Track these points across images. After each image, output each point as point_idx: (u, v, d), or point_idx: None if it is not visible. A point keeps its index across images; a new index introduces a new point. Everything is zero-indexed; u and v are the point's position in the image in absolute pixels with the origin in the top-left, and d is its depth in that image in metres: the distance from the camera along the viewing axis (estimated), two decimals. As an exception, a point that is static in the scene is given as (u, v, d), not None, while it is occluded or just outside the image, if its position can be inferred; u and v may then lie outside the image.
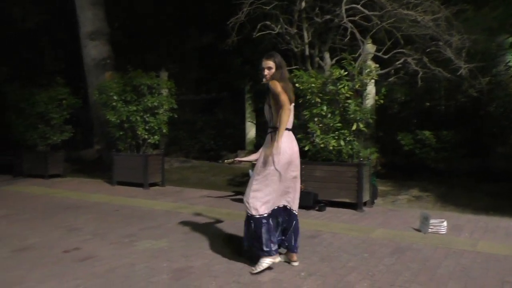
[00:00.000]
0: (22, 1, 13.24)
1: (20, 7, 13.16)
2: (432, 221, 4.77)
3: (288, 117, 3.43)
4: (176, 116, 9.11)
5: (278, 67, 3.56)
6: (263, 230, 3.44)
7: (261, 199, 3.48)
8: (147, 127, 8.58)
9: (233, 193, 7.61)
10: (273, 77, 3.52)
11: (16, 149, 11.00)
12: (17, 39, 14.30)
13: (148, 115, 8.58)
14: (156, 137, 8.76)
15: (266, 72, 3.58)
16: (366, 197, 6.22)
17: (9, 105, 10.83)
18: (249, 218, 3.53)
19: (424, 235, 4.65)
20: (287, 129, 3.51)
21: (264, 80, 3.62)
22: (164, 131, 8.82)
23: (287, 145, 3.50)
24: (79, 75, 12.20)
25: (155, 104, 8.54)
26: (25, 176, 10.41)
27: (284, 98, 3.39)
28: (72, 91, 10.79)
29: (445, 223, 4.77)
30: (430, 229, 4.74)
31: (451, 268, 3.56)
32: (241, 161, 6.30)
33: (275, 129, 3.50)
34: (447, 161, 7.86)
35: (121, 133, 8.69)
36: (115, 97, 8.56)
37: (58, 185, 9.08)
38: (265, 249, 3.42)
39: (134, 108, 8.48)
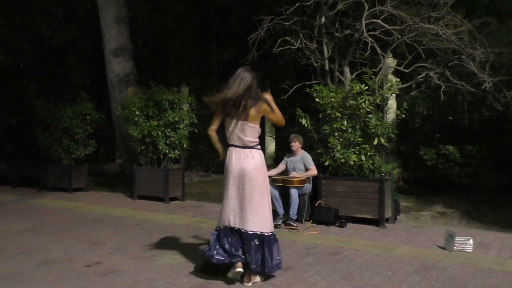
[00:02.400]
0: (50, 19, 13.72)
1: (48, 25, 13.63)
2: (457, 238, 4.64)
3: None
4: (196, 130, 9.21)
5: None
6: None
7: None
8: (168, 142, 8.69)
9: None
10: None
11: (41, 163, 11.28)
12: (45, 56, 14.79)
13: (169, 130, 8.69)
14: (176, 151, 8.86)
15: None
16: (388, 213, 6.10)
17: (36, 119, 11.17)
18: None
19: (449, 253, 4.52)
20: (229, 144, 3.67)
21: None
22: (185, 145, 8.91)
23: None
24: (103, 90, 12.49)
25: (176, 119, 8.65)
26: (49, 190, 10.65)
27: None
28: (96, 105, 11.05)
29: (471, 241, 4.64)
30: (455, 247, 4.61)
31: (478, 288, 3.45)
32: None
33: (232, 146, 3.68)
34: (472, 176, 7.67)
35: (142, 147, 8.81)
36: (137, 112, 8.72)
37: (81, 198, 9.25)
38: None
39: (156, 123, 8.60)
